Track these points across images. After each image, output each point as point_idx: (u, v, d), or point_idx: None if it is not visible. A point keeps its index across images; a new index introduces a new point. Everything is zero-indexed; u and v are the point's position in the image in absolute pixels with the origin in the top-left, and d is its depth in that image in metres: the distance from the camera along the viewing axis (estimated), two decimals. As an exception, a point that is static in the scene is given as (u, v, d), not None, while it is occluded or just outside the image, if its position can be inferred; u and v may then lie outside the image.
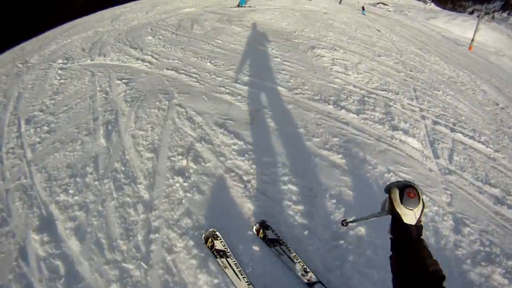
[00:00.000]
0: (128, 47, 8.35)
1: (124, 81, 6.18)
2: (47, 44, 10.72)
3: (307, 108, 5.32)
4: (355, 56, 8.32)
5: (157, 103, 5.20)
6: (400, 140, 4.82)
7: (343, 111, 5.37)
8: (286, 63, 7.21)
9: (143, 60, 7.28)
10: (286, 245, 2.74)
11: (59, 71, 7.35)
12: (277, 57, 7.46)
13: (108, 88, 5.99)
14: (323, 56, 7.85)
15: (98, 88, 6.04)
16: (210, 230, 2.82)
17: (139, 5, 16.25)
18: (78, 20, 15.07)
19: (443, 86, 7.98)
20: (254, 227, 2.90)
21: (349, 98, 5.86)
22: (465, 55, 17.58)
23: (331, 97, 5.78)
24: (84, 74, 6.92)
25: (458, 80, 9.27)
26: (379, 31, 12.69)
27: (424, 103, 6.45)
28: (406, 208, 1.08)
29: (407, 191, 1.09)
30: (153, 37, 9.15)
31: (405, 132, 5.05)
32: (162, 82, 6.06)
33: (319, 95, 5.82)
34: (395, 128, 5.11)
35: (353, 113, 5.36)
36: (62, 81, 6.79)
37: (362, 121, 5.18)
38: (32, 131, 4.96)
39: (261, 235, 2.82)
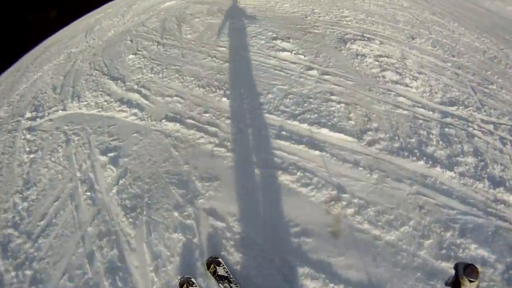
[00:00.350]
0: (107, 78, 5.79)
1: (111, 155, 3.84)
2: (18, 81, 8.02)
3: (396, 176, 3.08)
4: (393, 46, 5.72)
5: (175, 212, 2.92)
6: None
7: (437, 168, 3.15)
8: (326, 77, 4.67)
9: (129, 104, 4.78)
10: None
11: (28, 135, 4.94)
12: (311, 68, 4.89)
13: (92, 173, 3.68)
14: (364, 55, 5.24)
15: (78, 174, 3.74)
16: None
17: (115, 7, 12.78)
18: (51, 39, 11.90)
19: (494, 75, 5.23)
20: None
21: (430, 135, 3.58)
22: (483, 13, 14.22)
23: (411, 140, 3.50)
24: (57, 139, 4.53)
25: (502, 59, 6.36)
26: None
27: (491, 112, 4.12)
28: (467, 279, 1.18)
29: (471, 267, 1.19)
30: (136, 54, 6.46)
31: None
32: (167, 151, 3.71)
33: (397, 138, 3.53)
34: (494, 181, 3.05)
35: (446, 167, 3.16)
36: (32, 155, 4.45)
37: (461, 181, 3.04)
38: (12, 275, 2.85)
39: (212, 271, 2.38)
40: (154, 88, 5.00)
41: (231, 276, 2.33)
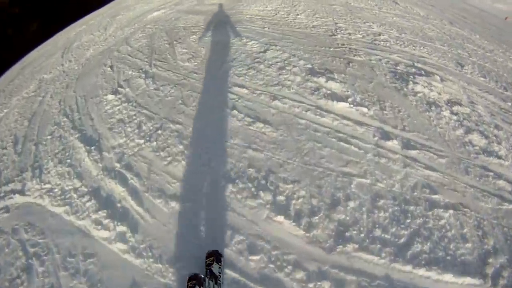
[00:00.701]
0: (77, 138, 3.33)
1: None
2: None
3: None
4: (453, 83, 3.60)
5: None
6: None
7: None
8: (412, 153, 2.54)
9: (110, 208, 2.40)
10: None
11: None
12: (388, 137, 2.71)
13: None
14: (436, 104, 3.12)
15: None
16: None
17: (97, 18, 9.80)
18: (28, 57, 8.94)
19: None
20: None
21: None
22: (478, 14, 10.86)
23: None
24: (14, 260, 2.19)
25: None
26: (396, 3, 7.40)
27: None
28: None
29: None
30: (116, 94, 3.95)
31: None
32: None
33: None
34: None
35: None
36: None
37: None
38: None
39: (209, 261, 1.90)
40: (146, 174, 2.60)
41: (220, 278, 1.85)
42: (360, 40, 4.39)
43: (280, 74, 3.49)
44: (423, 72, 3.69)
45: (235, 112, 3.04)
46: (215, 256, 1.88)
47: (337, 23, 5.04)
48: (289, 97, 3.13)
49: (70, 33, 9.94)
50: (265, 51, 4.03)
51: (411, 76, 3.52)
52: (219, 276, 1.84)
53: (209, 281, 1.77)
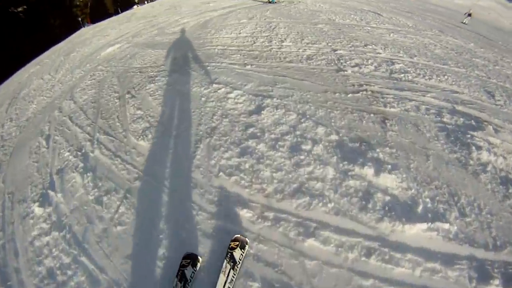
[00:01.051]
0: None
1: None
2: None
3: None
4: (504, 131, 2.12)
5: None
6: None
7: None
8: None
9: None
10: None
11: None
12: (489, 278, 1.17)
13: None
14: (508, 179, 1.59)
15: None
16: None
17: (53, 56, 7.32)
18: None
19: None
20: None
21: None
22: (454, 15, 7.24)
23: None
24: None
25: None
26: (379, 14, 5.91)
27: None
28: None
29: None
30: (44, 206, 2.08)
31: None
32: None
33: None
34: None
35: None
36: None
37: None
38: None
39: (233, 245, 1.44)
40: None
41: (238, 265, 1.40)
42: (377, 75, 2.82)
43: (297, 165, 1.76)
44: (473, 122, 2.17)
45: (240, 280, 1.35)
46: (240, 243, 1.42)
47: (335, 50, 3.43)
48: (329, 223, 1.45)
49: (23, 75, 7.47)
50: (258, 111, 2.28)
51: (467, 135, 2.00)
52: (238, 263, 1.38)
53: (227, 264, 1.36)
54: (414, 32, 4.42)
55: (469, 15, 6.64)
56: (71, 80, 4.62)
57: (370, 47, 3.45)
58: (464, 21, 6.22)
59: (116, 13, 12.92)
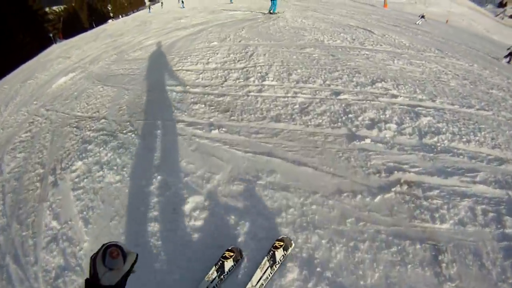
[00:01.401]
0: None
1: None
2: None
3: None
4: None
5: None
6: None
7: None
8: None
9: None
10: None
11: None
12: None
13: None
14: None
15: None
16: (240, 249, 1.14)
17: (12, 81, 5.41)
18: None
19: None
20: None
21: None
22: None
23: None
24: None
25: None
26: (371, 32, 4.09)
27: None
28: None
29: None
30: None
31: None
32: None
33: None
34: None
35: None
36: None
37: None
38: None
39: (278, 245, 1.12)
40: None
41: (277, 264, 1.08)
42: (405, 142, 1.56)
43: None
44: None
45: None
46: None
47: (337, 94, 2.16)
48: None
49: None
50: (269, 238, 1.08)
51: None
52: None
53: (266, 261, 1.08)
54: (416, 54, 3.23)
55: (423, 17, 6.48)
56: (12, 126, 3.14)
57: (380, 85, 2.25)
58: (417, 22, 6.06)
59: (91, 27, 10.84)
